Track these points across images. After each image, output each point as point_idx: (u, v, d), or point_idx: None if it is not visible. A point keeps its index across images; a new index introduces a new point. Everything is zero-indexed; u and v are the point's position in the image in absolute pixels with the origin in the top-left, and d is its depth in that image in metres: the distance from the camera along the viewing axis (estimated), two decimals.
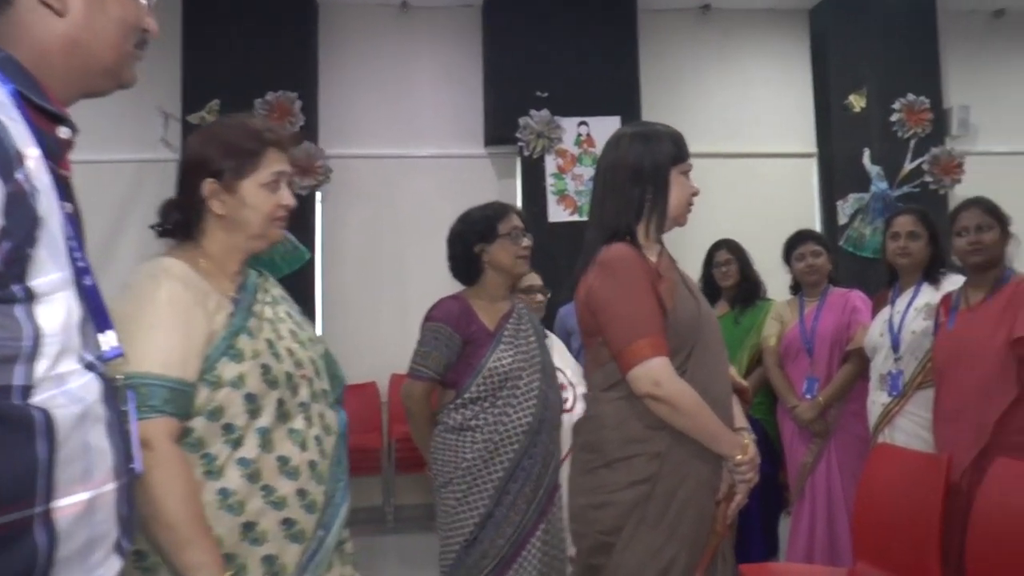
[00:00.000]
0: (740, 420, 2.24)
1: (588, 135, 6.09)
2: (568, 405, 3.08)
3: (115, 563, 1.09)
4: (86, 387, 1.04)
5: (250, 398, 1.64)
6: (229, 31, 5.79)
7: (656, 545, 2.04)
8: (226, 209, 1.72)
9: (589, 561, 2.14)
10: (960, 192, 6.44)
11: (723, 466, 2.11)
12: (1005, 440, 2.78)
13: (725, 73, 6.61)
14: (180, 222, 1.75)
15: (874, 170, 6.43)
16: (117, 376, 1.24)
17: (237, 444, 1.62)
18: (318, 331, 5.88)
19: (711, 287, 4.20)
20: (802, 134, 6.66)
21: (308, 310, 5.78)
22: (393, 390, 5.71)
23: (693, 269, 4.23)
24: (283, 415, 1.68)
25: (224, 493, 1.59)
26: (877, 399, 3.44)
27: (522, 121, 5.99)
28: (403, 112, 6.15)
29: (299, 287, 5.76)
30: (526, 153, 6.00)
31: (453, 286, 2.96)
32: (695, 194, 2.23)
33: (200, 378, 1.60)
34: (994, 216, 3.01)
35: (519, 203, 5.96)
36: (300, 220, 5.77)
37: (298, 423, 1.71)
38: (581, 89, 6.05)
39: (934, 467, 2.82)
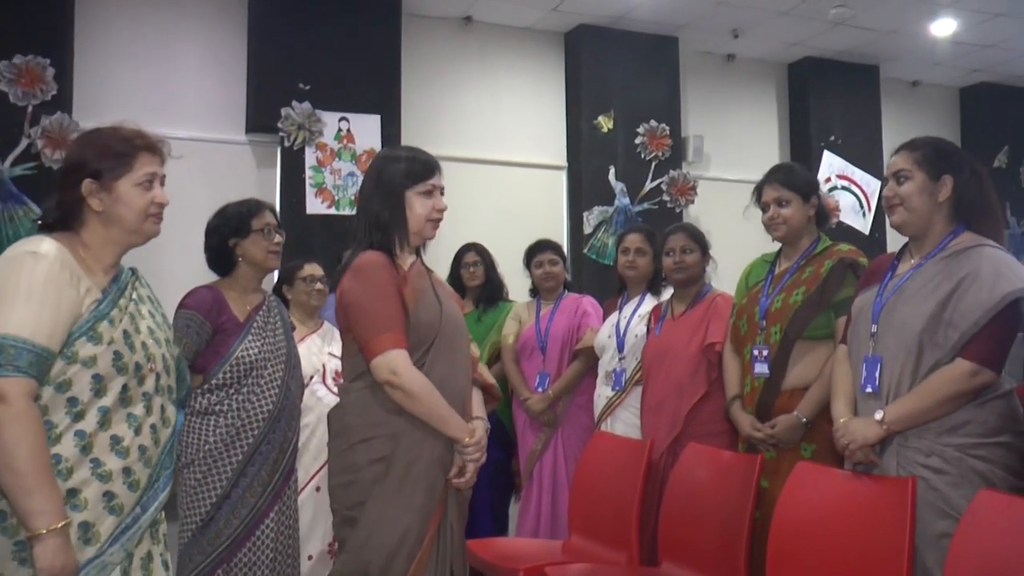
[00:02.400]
0: (477, 411, 2.62)
1: (348, 131, 6.37)
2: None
3: None
4: None
5: (97, 378, 1.89)
6: None
7: (392, 516, 2.38)
8: (103, 206, 2.00)
9: (340, 535, 2.49)
10: (693, 212, 7.33)
11: (454, 448, 2.46)
12: (695, 428, 3.43)
13: (483, 83, 7.09)
14: (58, 217, 2.01)
15: (618, 186, 7.15)
16: None
17: (78, 417, 1.88)
18: None
19: (458, 286, 4.66)
20: (554, 148, 7.26)
21: None
22: None
23: (444, 268, 4.69)
24: (125, 400, 1.94)
25: (56, 459, 1.83)
26: (602, 393, 4.03)
27: (284, 111, 6.17)
28: (163, 90, 6.11)
29: None
30: (287, 144, 6.19)
31: (205, 272, 3.16)
32: (440, 210, 2.59)
33: (59, 352, 1.85)
34: (696, 241, 3.66)
35: (278, 193, 6.16)
36: (49, 195, 5.67)
37: (138, 409, 1.97)
38: (343, 85, 6.31)
39: (638, 451, 3.41)
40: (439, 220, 2.61)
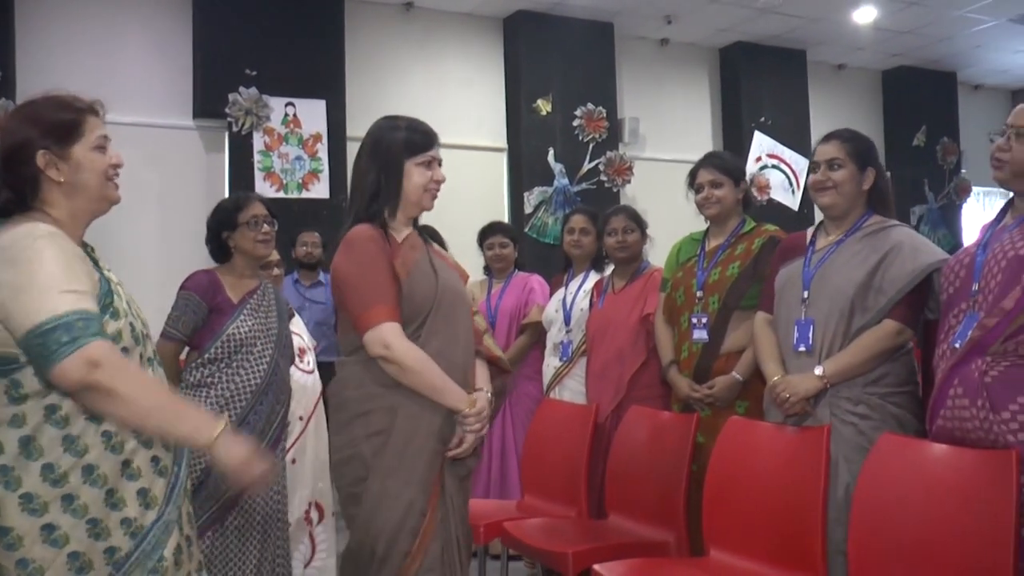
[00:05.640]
0: (481, 382, 2.59)
1: (295, 116, 6.61)
2: (309, 367, 3.74)
3: None
4: None
5: (124, 352, 1.91)
6: None
7: (393, 491, 2.36)
8: (64, 176, 1.93)
9: (346, 512, 2.48)
10: (630, 191, 7.72)
11: (454, 419, 2.44)
12: (636, 393, 3.79)
13: (425, 68, 7.36)
14: (12, 199, 1.92)
15: (557, 167, 7.49)
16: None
17: None
18: None
19: None
20: (494, 131, 7.59)
21: None
22: None
23: None
24: (143, 367, 1.98)
25: (107, 436, 1.87)
26: (551, 363, 4.38)
27: (231, 97, 6.37)
28: (109, 75, 6.20)
29: None
30: (235, 129, 6.40)
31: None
32: (439, 181, 2.58)
33: None
34: (635, 221, 4.03)
35: (226, 178, 6.38)
36: None
37: (150, 375, 2.00)
38: (289, 71, 6.55)
39: (585, 415, 3.76)
40: (437, 191, 2.60)
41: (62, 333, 1.75)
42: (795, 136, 8.34)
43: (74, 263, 1.85)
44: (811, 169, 3.05)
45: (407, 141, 2.53)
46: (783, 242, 3.27)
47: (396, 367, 2.38)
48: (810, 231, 3.13)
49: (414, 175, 2.53)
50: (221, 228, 3.36)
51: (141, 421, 1.84)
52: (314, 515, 3.76)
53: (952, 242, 8.80)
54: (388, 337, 2.36)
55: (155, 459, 1.95)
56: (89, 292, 1.85)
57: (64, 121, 1.93)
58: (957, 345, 2.41)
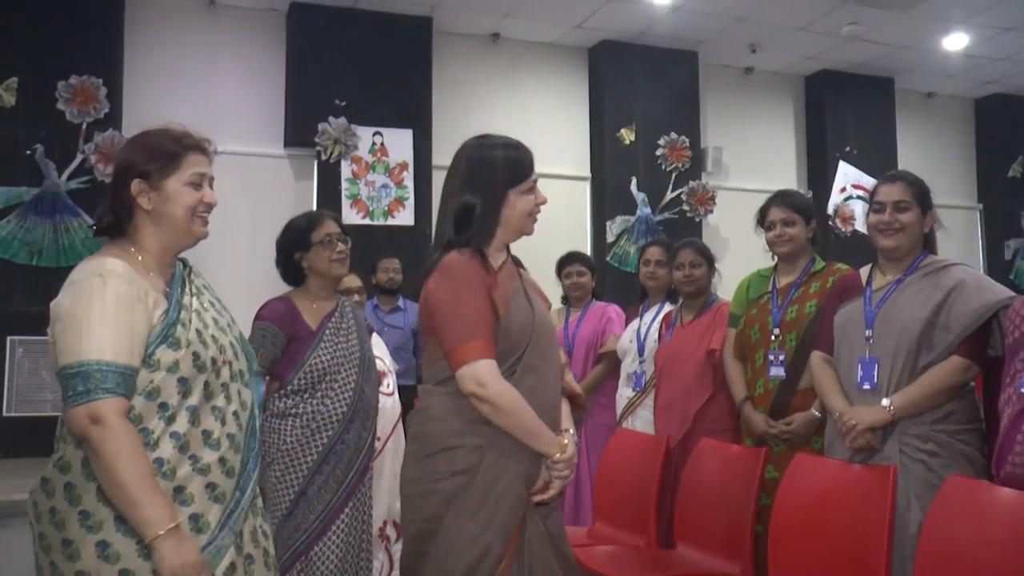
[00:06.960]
0: (567, 422, 2.47)
1: (382, 144, 6.80)
2: (388, 389, 3.73)
3: None
4: None
5: (182, 381, 1.98)
6: (29, 6, 5.97)
7: (473, 533, 2.23)
8: (152, 204, 2.03)
9: (415, 547, 2.33)
10: (712, 221, 7.70)
11: (541, 462, 2.32)
12: (704, 426, 3.81)
13: (511, 97, 7.49)
14: (113, 222, 2.06)
15: (640, 196, 7.53)
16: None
17: (171, 420, 1.96)
18: None
19: None
20: (578, 159, 7.67)
21: None
22: None
23: None
24: (208, 395, 2.03)
25: (159, 462, 1.93)
26: (624, 393, 4.42)
27: (321, 126, 6.59)
28: (207, 107, 6.49)
29: None
30: (323, 157, 6.62)
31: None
32: (540, 204, 2.42)
33: (141, 362, 1.93)
34: (703, 255, 4.05)
35: (314, 204, 6.57)
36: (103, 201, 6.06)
37: (219, 401, 2.06)
38: (377, 101, 6.76)
39: (656, 446, 3.79)
40: (539, 213, 2.46)
41: (79, 381, 1.86)
42: (882, 166, 8.13)
43: (122, 303, 1.92)
44: (873, 210, 3.05)
45: (510, 170, 2.38)
46: (838, 282, 3.28)
47: (489, 407, 2.25)
48: (864, 271, 3.14)
49: (518, 204, 2.39)
50: (293, 248, 3.28)
51: (110, 489, 1.86)
52: (391, 532, 3.72)
53: None
54: (483, 375, 2.23)
55: (211, 485, 2.01)
56: (127, 337, 1.91)
57: (164, 152, 2.04)
58: None
